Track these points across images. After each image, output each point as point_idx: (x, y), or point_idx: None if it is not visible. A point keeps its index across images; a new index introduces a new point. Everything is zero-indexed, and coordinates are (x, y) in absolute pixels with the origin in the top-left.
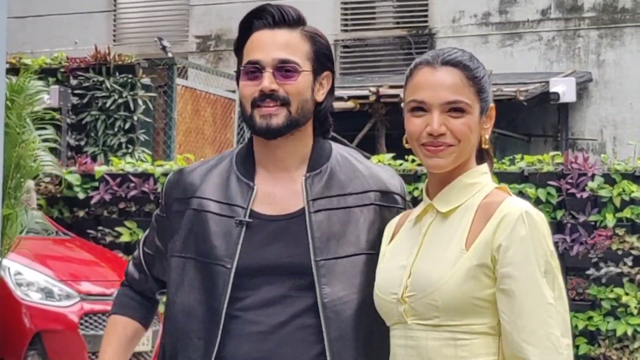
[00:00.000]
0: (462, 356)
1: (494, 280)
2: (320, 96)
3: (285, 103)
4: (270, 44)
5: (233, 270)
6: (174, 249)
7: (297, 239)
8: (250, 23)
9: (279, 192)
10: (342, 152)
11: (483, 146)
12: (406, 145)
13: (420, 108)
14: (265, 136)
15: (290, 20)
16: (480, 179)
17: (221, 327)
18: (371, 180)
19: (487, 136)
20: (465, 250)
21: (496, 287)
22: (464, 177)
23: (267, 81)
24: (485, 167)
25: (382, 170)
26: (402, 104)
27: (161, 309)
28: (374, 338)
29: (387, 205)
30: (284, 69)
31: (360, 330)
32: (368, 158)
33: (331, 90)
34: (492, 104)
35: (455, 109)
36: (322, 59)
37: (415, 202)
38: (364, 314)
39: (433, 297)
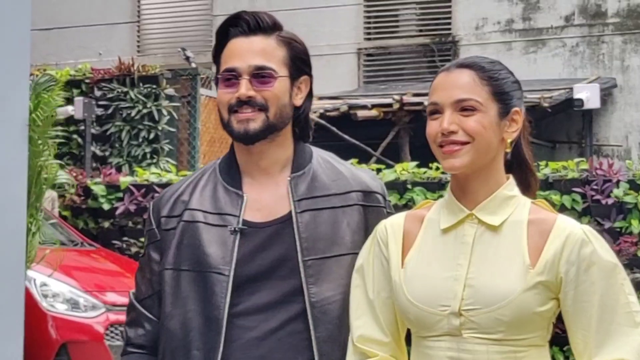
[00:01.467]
0: None
1: (552, 297)
2: (298, 100)
3: (263, 108)
4: (246, 51)
5: (231, 277)
6: (166, 262)
7: (288, 243)
8: (227, 31)
9: (265, 197)
10: (322, 155)
11: (506, 150)
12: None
13: (436, 111)
14: (243, 141)
15: (266, 26)
16: (516, 192)
17: (223, 336)
18: (353, 181)
19: (509, 140)
20: (531, 266)
21: (567, 306)
22: (504, 190)
23: (244, 88)
24: (513, 179)
25: (363, 171)
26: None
27: None
28: None
29: (370, 205)
30: (261, 75)
31: (347, 331)
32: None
33: (309, 95)
34: (517, 108)
35: (466, 108)
36: (298, 63)
37: None
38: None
39: (501, 311)
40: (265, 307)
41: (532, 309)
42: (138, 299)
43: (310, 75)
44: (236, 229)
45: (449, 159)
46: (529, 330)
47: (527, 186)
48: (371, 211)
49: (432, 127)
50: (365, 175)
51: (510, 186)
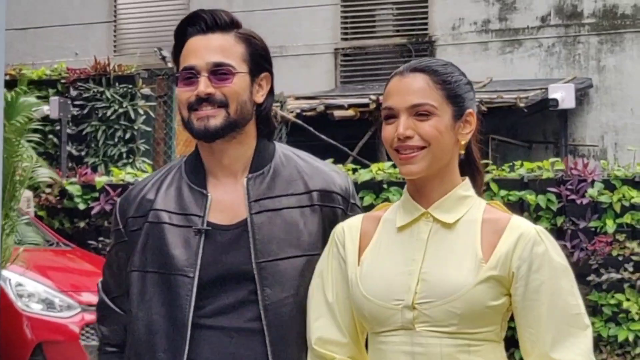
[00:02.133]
0: None
1: (504, 292)
2: (259, 97)
3: (222, 105)
4: (204, 49)
5: (196, 279)
6: (133, 264)
7: (247, 246)
8: (185, 30)
9: (228, 198)
10: (286, 152)
11: (460, 151)
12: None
13: (392, 115)
14: (204, 139)
15: (223, 24)
16: (471, 192)
17: (188, 339)
18: (313, 180)
19: (463, 142)
20: (483, 261)
21: (517, 302)
22: (459, 190)
23: (203, 85)
24: (468, 180)
25: (329, 170)
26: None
27: None
28: None
29: (327, 206)
30: (219, 72)
31: (300, 332)
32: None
33: (271, 91)
34: (470, 110)
35: (421, 113)
36: (258, 60)
37: None
38: (303, 315)
39: (454, 304)
40: (229, 308)
41: (484, 302)
42: (109, 296)
43: (271, 72)
44: (200, 229)
45: (407, 165)
46: (482, 325)
47: (474, 183)
48: (328, 212)
49: (388, 132)
50: (329, 174)
51: (465, 186)
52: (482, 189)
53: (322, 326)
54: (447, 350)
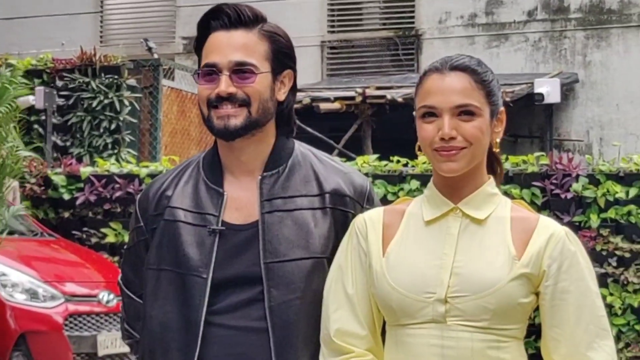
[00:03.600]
0: (504, 358)
1: (533, 290)
2: (281, 95)
3: (245, 104)
4: (227, 46)
5: (209, 280)
6: (148, 261)
7: (258, 246)
8: (208, 23)
9: (244, 196)
10: (304, 152)
11: (494, 149)
12: (418, 153)
13: (432, 113)
14: (224, 137)
15: (247, 20)
16: (497, 190)
17: (200, 338)
18: (328, 182)
19: (497, 140)
20: (516, 258)
21: (545, 300)
22: (487, 187)
23: (224, 85)
24: (493, 179)
25: (344, 171)
26: (414, 112)
27: None
28: (318, 342)
29: (340, 209)
30: (241, 71)
31: (305, 335)
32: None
33: (293, 89)
34: (502, 108)
35: (465, 112)
36: (281, 57)
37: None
38: (308, 317)
39: (487, 299)
40: (238, 307)
41: (515, 299)
42: (136, 293)
43: (294, 70)
44: (215, 229)
45: (448, 162)
46: (512, 321)
47: (494, 175)
48: (339, 215)
49: (429, 132)
50: (348, 175)
51: (492, 184)
52: (501, 179)
53: (341, 318)
54: (478, 346)
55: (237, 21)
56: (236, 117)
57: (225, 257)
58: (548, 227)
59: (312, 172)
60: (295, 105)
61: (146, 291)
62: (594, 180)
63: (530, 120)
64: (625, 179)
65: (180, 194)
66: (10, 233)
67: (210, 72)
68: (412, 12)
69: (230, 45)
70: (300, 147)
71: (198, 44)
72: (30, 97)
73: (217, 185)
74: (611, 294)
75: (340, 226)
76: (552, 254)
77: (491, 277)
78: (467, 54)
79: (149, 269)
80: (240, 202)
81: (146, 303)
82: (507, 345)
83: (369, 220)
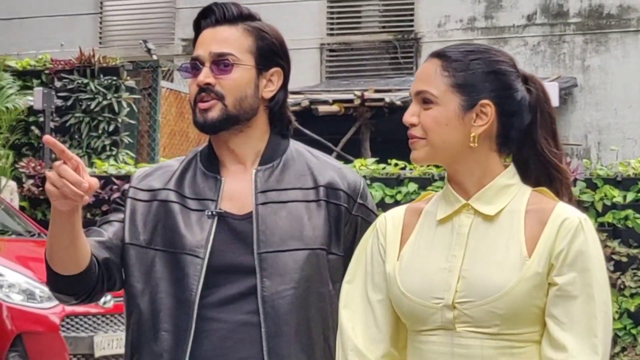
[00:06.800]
0: None
1: (549, 287)
2: (267, 93)
3: (219, 97)
4: (210, 40)
5: (206, 260)
6: (134, 237)
7: (252, 237)
8: (199, 23)
9: (238, 188)
10: (299, 149)
11: (470, 144)
12: None
13: (411, 100)
14: (204, 131)
15: (230, 17)
16: (514, 180)
17: (195, 320)
18: (322, 176)
19: (473, 134)
20: (527, 257)
21: (551, 291)
22: (501, 178)
23: (202, 75)
24: (513, 166)
25: (338, 167)
26: None
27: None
28: (313, 335)
29: (333, 202)
30: (221, 62)
31: (297, 326)
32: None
33: (283, 87)
34: (485, 101)
35: (424, 100)
36: (267, 54)
37: (398, 205)
38: (301, 309)
39: (496, 304)
40: (231, 300)
41: (528, 301)
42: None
43: (283, 67)
44: (213, 212)
45: (413, 151)
46: (526, 325)
47: (554, 191)
48: (333, 208)
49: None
50: (341, 170)
51: (508, 174)
52: (570, 197)
53: (357, 335)
54: (489, 353)
55: (222, 18)
56: (212, 110)
57: (222, 242)
58: (560, 215)
59: (307, 166)
60: (294, 108)
61: (133, 270)
62: (591, 185)
63: None
64: (622, 183)
65: (178, 180)
66: (6, 233)
67: (194, 66)
68: (412, 15)
69: (213, 39)
70: (295, 145)
71: (194, 44)
72: (29, 98)
73: (214, 172)
74: None
75: (334, 219)
76: (561, 244)
77: (498, 281)
78: (475, 44)
79: (134, 245)
80: (235, 193)
81: (134, 285)
82: (522, 350)
83: (389, 220)
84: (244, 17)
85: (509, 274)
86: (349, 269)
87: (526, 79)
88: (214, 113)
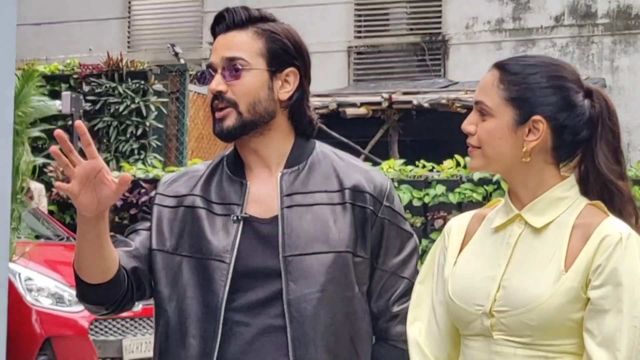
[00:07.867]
0: None
1: (587, 301)
2: (284, 94)
3: (232, 104)
4: (221, 47)
5: (232, 266)
6: (160, 244)
7: (278, 241)
8: (215, 29)
9: (263, 191)
10: (325, 151)
11: (523, 159)
12: None
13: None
14: (222, 139)
15: (240, 21)
16: (570, 193)
17: (221, 325)
18: (348, 178)
19: (524, 149)
20: (564, 271)
21: (588, 307)
22: (556, 190)
23: (214, 82)
24: (573, 179)
25: (364, 169)
26: None
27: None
28: (339, 338)
29: (359, 205)
30: (231, 67)
31: (323, 330)
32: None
33: (300, 87)
34: (538, 117)
35: (481, 111)
36: (280, 55)
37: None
38: (327, 313)
39: (529, 315)
40: (257, 305)
41: (562, 315)
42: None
43: (299, 67)
44: (239, 217)
45: (470, 158)
46: (560, 337)
47: (616, 213)
48: (359, 211)
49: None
50: (368, 172)
51: (565, 187)
52: (633, 214)
53: (423, 325)
54: None
55: (232, 23)
56: (227, 119)
57: (247, 247)
58: (603, 231)
59: (332, 169)
60: (322, 110)
61: (160, 276)
62: None
63: None
64: None
65: (204, 185)
66: (37, 237)
67: (209, 73)
68: (439, 17)
69: (224, 45)
70: (321, 147)
71: None
72: (57, 102)
73: (240, 176)
74: None
75: (359, 222)
76: (599, 260)
77: (533, 293)
78: (542, 55)
79: (160, 251)
80: (260, 196)
81: (161, 290)
82: None
83: (455, 224)
84: (254, 20)
85: (545, 287)
86: (421, 270)
87: (590, 93)
88: (229, 122)
